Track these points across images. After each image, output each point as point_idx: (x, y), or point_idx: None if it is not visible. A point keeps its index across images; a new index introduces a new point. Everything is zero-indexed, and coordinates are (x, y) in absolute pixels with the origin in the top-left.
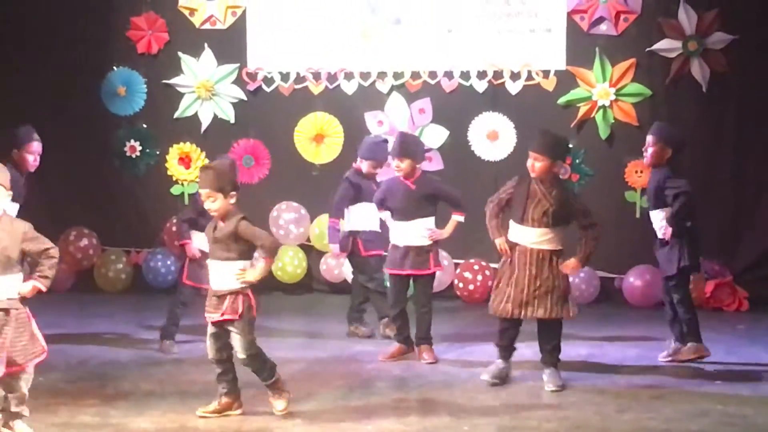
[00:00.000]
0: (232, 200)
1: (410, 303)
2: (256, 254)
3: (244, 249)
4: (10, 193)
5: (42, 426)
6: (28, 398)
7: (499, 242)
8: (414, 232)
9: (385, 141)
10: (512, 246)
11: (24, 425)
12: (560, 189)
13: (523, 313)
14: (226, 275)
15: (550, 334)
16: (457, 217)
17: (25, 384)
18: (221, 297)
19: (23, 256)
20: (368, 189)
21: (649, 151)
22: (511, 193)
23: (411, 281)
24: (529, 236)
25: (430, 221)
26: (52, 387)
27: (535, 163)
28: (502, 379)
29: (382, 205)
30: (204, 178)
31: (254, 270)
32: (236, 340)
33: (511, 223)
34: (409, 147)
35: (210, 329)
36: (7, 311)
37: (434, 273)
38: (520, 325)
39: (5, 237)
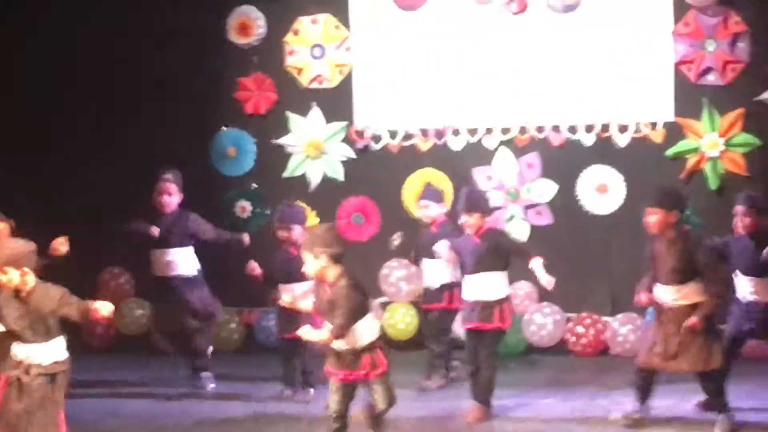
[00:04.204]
0: (323, 262)
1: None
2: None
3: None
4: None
5: None
6: None
7: (637, 298)
8: (480, 286)
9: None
10: (658, 302)
11: None
12: (682, 244)
13: (668, 366)
14: (351, 337)
15: (707, 384)
16: (537, 260)
17: None
18: (356, 355)
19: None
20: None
21: (746, 221)
22: (647, 255)
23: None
24: (662, 294)
25: (498, 276)
26: None
27: (648, 218)
28: (634, 421)
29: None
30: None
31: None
32: (380, 392)
33: None
34: (477, 202)
35: (335, 385)
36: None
37: (500, 329)
38: (654, 375)
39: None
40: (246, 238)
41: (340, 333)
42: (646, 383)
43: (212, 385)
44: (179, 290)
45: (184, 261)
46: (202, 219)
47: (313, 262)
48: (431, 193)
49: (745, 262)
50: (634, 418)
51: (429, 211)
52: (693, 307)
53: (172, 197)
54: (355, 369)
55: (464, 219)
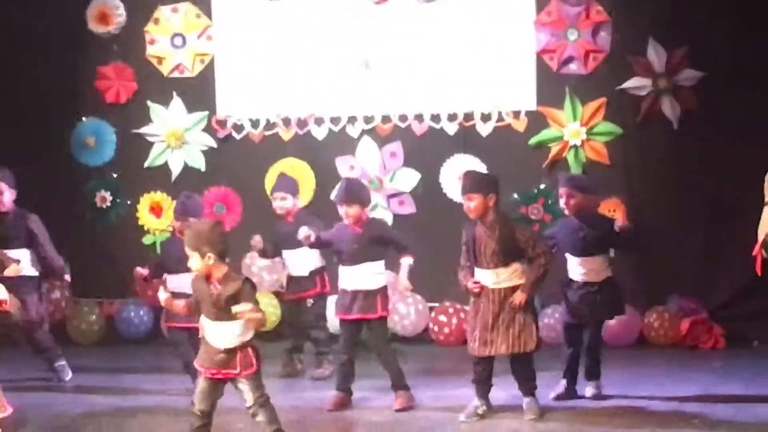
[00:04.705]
0: (210, 261)
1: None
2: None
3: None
4: None
5: None
6: None
7: (469, 285)
8: (362, 276)
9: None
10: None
11: None
12: (503, 226)
13: (488, 350)
14: (229, 334)
15: (520, 367)
16: (407, 260)
17: None
18: (229, 353)
19: None
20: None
21: (571, 202)
22: (466, 241)
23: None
24: (485, 278)
25: (379, 265)
26: None
27: (469, 204)
28: (479, 417)
29: (325, 247)
30: (185, 236)
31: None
32: (247, 393)
33: (474, 265)
34: (356, 192)
35: (204, 382)
36: None
37: (384, 317)
38: (493, 361)
39: None
40: (68, 278)
41: (264, 322)
42: (484, 376)
43: (69, 376)
44: (17, 291)
45: (23, 262)
46: (42, 226)
47: (200, 262)
48: (287, 184)
49: (573, 242)
50: (478, 413)
51: (285, 203)
52: (514, 290)
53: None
54: (228, 367)
55: (344, 210)
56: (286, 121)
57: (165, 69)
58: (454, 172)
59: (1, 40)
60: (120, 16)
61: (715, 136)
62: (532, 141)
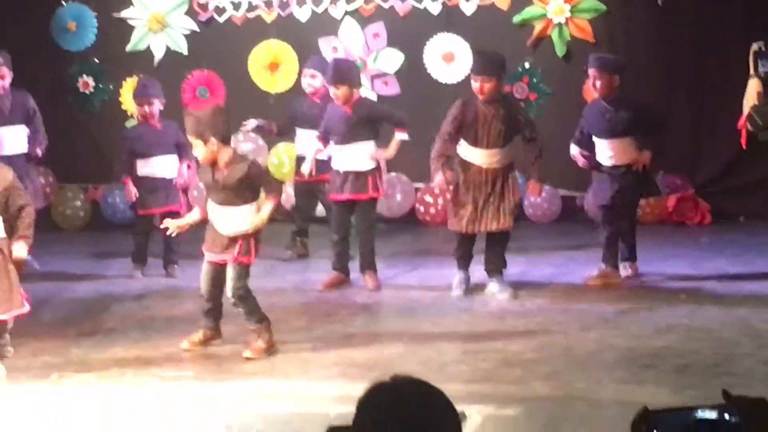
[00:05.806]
0: (214, 147)
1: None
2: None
3: (253, 193)
4: None
5: (3, 366)
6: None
7: (438, 180)
8: (352, 156)
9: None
10: (467, 165)
11: None
12: (507, 107)
13: (478, 228)
14: (237, 219)
15: (499, 244)
16: (399, 135)
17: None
18: (232, 239)
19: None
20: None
21: (597, 84)
22: (460, 120)
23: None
24: (482, 158)
25: (370, 145)
26: (13, 327)
27: (485, 85)
28: (468, 288)
29: (326, 133)
30: (186, 123)
31: (260, 213)
32: (231, 281)
33: (464, 143)
34: (345, 73)
35: (207, 266)
36: None
37: (374, 198)
38: (475, 237)
39: None
40: (39, 153)
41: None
42: (469, 250)
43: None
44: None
45: (20, 139)
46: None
47: (204, 149)
48: (319, 63)
49: (600, 125)
50: (463, 287)
51: (315, 81)
52: (503, 169)
53: (4, 80)
54: (227, 251)
55: (333, 92)
56: (268, 3)
57: None
58: (437, 52)
59: None
60: None
61: (699, 11)
62: (516, 19)
